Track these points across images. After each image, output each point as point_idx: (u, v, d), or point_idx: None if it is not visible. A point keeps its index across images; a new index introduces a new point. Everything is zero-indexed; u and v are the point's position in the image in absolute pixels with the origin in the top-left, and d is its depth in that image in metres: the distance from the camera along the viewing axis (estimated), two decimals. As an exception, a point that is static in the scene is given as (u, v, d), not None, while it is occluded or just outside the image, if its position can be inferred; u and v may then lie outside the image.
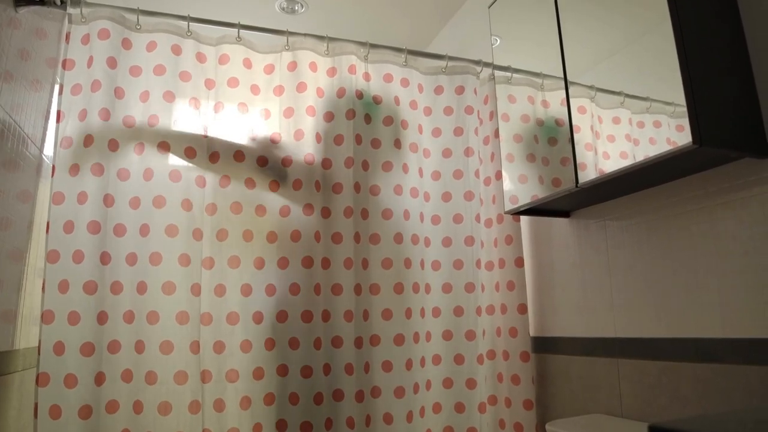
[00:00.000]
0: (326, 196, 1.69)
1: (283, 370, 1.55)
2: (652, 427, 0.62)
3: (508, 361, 1.77)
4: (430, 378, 1.72)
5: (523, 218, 1.94)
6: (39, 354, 1.33)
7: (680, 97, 1.15)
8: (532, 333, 1.84)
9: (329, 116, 1.73)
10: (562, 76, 1.51)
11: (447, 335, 1.75)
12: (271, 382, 1.54)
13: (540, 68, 1.64)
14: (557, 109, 1.54)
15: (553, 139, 1.56)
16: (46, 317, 1.35)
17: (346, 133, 1.72)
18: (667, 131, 1.21)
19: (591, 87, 1.42)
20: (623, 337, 1.50)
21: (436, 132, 1.89)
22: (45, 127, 1.49)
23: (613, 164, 1.34)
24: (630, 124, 1.31)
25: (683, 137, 1.15)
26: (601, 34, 1.41)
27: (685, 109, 1.14)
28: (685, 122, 1.14)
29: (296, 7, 2.50)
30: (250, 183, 1.63)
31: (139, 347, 1.44)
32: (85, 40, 1.52)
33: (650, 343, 1.41)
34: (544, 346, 1.80)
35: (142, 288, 1.46)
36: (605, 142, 1.37)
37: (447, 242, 1.81)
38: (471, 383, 1.73)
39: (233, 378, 1.51)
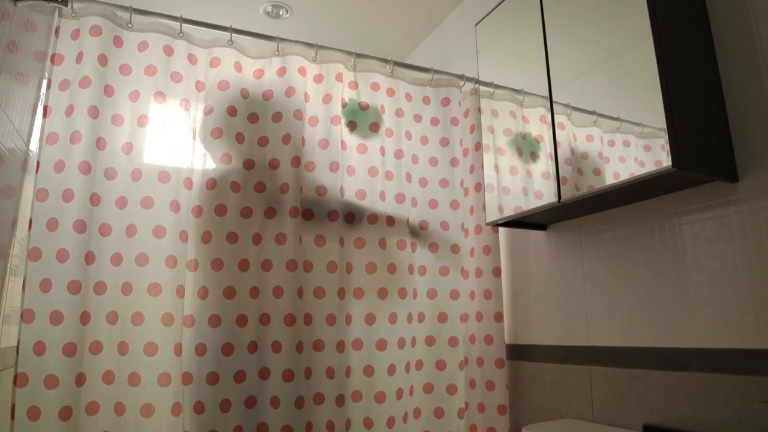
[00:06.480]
0: (310, 199, 1.71)
1: (264, 374, 1.55)
2: (648, 426, 0.66)
3: (482, 368, 1.81)
4: (413, 383, 1.76)
5: (501, 229, 2.00)
6: (18, 354, 1.29)
7: (649, 118, 1.23)
8: (506, 341, 1.90)
9: (314, 121, 1.75)
10: (540, 93, 1.58)
11: (430, 341, 1.80)
12: (252, 385, 1.54)
13: (520, 85, 1.70)
14: (536, 125, 1.61)
15: (534, 154, 1.62)
16: (26, 316, 1.31)
17: (330, 138, 1.75)
18: (635, 151, 1.28)
19: (567, 105, 1.50)
20: (596, 346, 1.57)
21: (424, 140, 1.94)
22: (31, 122, 1.45)
23: (587, 181, 1.41)
24: (602, 142, 1.39)
25: (649, 157, 1.22)
26: (580, 52, 1.48)
27: (652, 130, 1.21)
28: (652, 143, 1.21)
29: (281, 12, 2.51)
30: (234, 186, 1.62)
31: (122, 348, 1.42)
32: (75, 35, 1.50)
33: (621, 351, 1.49)
34: (518, 353, 1.86)
35: (127, 289, 1.44)
36: (579, 158, 1.45)
37: (434, 248, 1.86)
38: (452, 389, 1.78)
39: (213, 380, 1.50)
